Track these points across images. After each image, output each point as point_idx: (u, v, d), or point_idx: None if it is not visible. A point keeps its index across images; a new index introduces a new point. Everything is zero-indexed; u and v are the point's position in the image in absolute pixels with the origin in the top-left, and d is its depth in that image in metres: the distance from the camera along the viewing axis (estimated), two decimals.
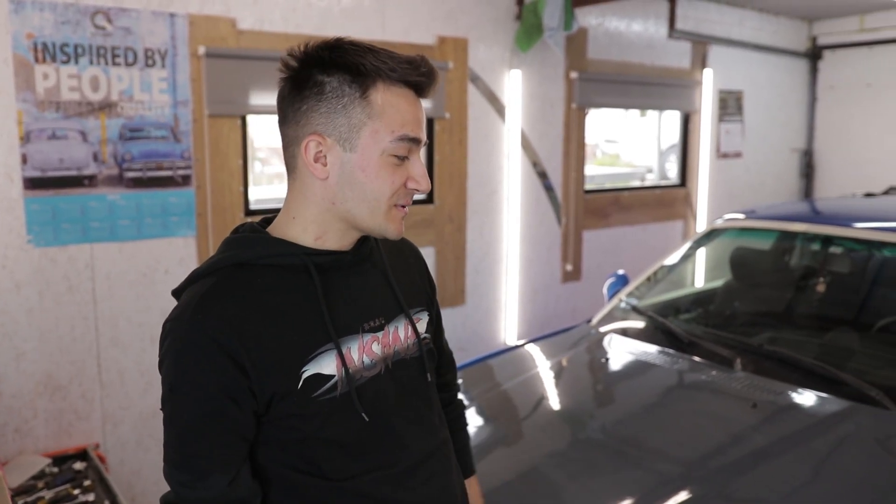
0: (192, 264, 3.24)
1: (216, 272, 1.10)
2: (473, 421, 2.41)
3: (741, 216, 3.43)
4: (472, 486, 1.45)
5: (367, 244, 1.19)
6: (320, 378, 1.08)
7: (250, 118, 3.43)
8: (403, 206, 1.12)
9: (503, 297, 4.40)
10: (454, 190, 4.05)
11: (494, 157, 4.22)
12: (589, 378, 2.73)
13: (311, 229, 1.13)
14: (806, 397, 2.32)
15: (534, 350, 2.96)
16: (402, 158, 1.09)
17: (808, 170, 6.33)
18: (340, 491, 1.11)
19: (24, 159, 2.86)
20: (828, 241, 3.14)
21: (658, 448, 2.13)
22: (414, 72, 1.08)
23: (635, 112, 11.50)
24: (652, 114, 6.81)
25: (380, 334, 1.16)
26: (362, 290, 1.17)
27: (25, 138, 2.85)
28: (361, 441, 1.12)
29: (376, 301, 1.18)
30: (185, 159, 3.19)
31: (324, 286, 1.12)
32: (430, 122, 3.95)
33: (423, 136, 1.12)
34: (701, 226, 5.42)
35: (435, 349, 1.32)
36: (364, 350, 1.14)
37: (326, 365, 1.09)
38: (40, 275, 2.93)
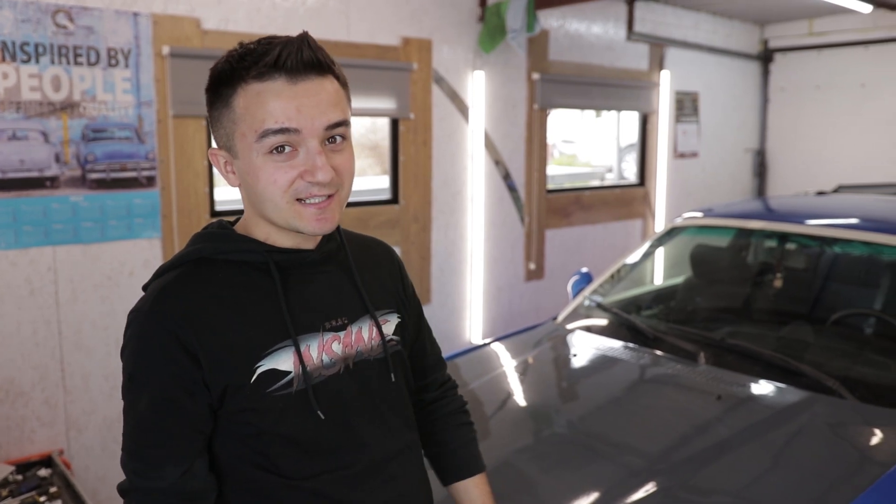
0: (157, 266, 3.20)
1: (180, 266, 1.12)
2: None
3: (699, 214, 3.53)
4: (480, 484, 1.39)
5: (331, 243, 1.20)
6: (276, 374, 1.09)
7: None
8: (314, 200, 1.08)
9: (468, 296, 4.44)
10: (419, 190, 4.07)
11: (458, 158, 4.25)
12: (556, 374, 2.78)
13: (261, 229, 1.14)
14: (767, 388, 2.40)
15: (500, 348, 3.00)
16: (284, 152, 1.05)
17: (760, 169, 6.51)
18: (297, 490, 1.11)
19: None
20: (783, 237, 3.25)
21: (626, 441, 2.19)
22: (266, 59, 1.03)
23: (591, 112, 11.70)
24: (607, 114, 6.93)
25: (342, 334, 1.16)
26: (326, 290, 1.17)
27: None
28: (318, 440, 1.12)
29: (340, 301, 1.18)
30: (150, 160, 3.16)
31: (284, 284, 1.13)
32: (395, 123, 3.97)
33: (305, 123, 1.05)
34: (659, 224, 5.54)
35: (415, 351, 1.33)
36: (323, 348, 1.13)
37: (283, 361, 1.09)
38: (1, 278, 2.87)
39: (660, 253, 3.80)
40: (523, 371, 2.78)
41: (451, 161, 4.20)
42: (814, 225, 3.16)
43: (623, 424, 2.31)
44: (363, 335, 1.18)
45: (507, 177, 4.53)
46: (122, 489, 1.11)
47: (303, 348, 1.11)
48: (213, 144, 1.15)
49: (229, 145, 1.09)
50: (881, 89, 5.83)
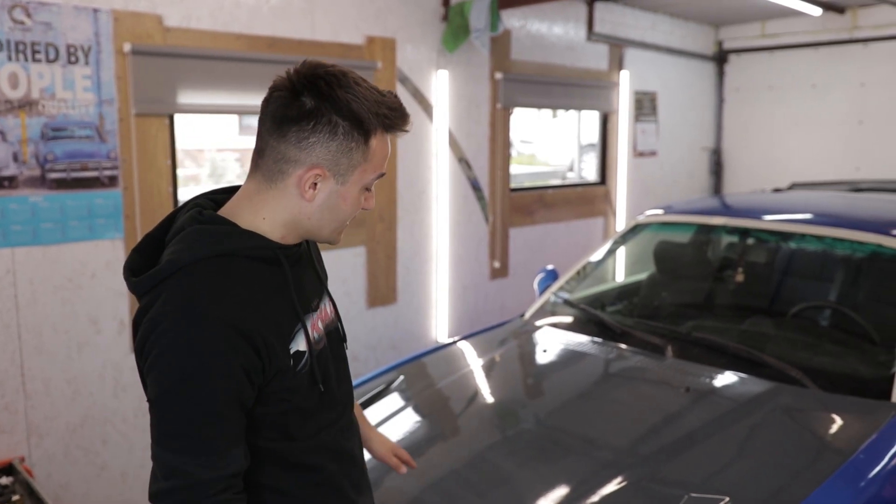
0: (120, 268, 3.14)
1: (200, 262, 1.19)
2: (412, 419, 2.44)
3: (661, 211, 3.59)
4: (359, 410, 1.68)
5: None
6: (299, 354, 1.26)
7: (178, 117, 3.35)
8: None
9: (434, 295, 4.45)
10: (384, 189, 4.06)
11: (423, 157, 4.26)
12: (524, 371, 2.81)
13: (279, 231, 1.27)
14: (733, 380, 2.46)
15: (467, 346, 3.01)
16: (368, 189, 1.29)
17: (717, 167, 6.65)
18: (305, 448, 1.30)
19: None
20: (744, 233, 3.33)
21: (595, 435, 2.22)
22: (402, 123, 1.27)
23: (549, 112, 11.79)
24: (565, 113, 6.99)
25: (318, 312, 1.35)
26: (304, 277, 1.34)
27: None
28: (318, 405, 1.31)
29: (311, 285, 1.36)
30: (112, 160, 3.10)
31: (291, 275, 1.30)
32: None
33: None
34: (621, 222, 5.63)
35: None
36: (314, 328, 1.32)
37: (300, 342, 1.27)
38: None
39: (624, 250, 3.86)
40: (491, 368, 2.80)
41: (415, 160, 4.21)
42: (772, 220, 3.25)
43: (592, 418, 2.34)
44: (327, 310, 1.39)
45: (471, 175, 4.55)
46: (165, 491, 1.16)
47: (309, 329, 1.29)
48: (300, 160, 1.23)
49: (342, 171, 1.24)
50: (831, 90, 6.01)
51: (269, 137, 1.23)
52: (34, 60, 2.87)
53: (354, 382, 2.73)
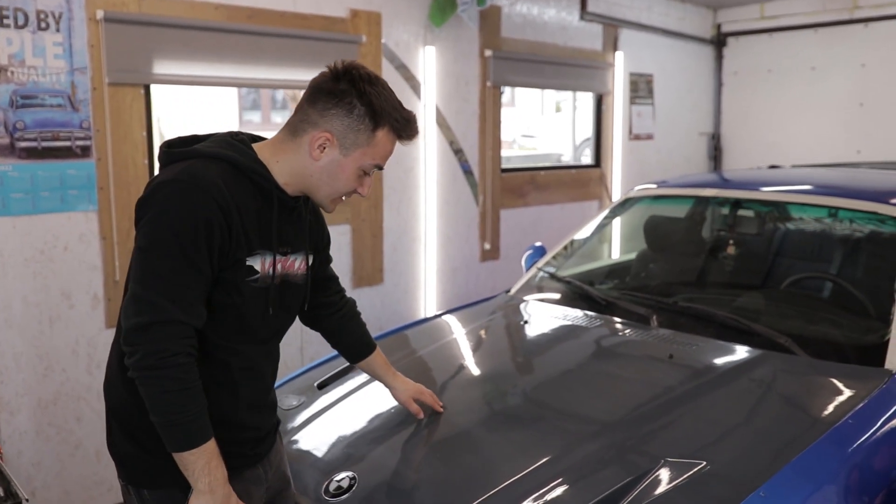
0: (94, 240, 3.07)
1: (217, 160, 1.47)
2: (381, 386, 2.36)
3: (654, 186, 3.50)
4: (380, 354, 2.02)
5: (301, 197, 1.61)
6: (251, 270, 1.51)
7: (154, 88, 3.27)
8: (342, 199, 1.59)
9: (422, 276, 4.36)
10: None
11: None
12: (507, 342, 2.72)
13: (285, 177, 1.55)
14: (720, 347, 2.37)
15: (451, 319, 2.93)
16: (366, 174, 1.55)
17: (715, 152, 6.54)
18: (226, 346, 1.53)
19: None
20: (737, 205, 3.23)
21: (574, 403, 2.14)
22: (408, 132, 1.54)
23: (551, 107, 11.66)
24: (568, 109, 6.89)
25: (284, 258, 1.59)
26: (287, 227, 1.59)
27: None
28: (256, 322, 1.55)
29: (290, 237, 1.60)
30: (85, 129, 3.02)
31: (277, 214, 1.55)
32: None
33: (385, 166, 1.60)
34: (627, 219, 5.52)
35: (325, 272, 1.87)
36: (273, 266, 1.56)
37: (257, 262, 1.52)
38: None
39: (614, 225, 3.77)
40: (471, 339, 2.72)
41: None
42: (766, 191, 3.15)
43: (570, 386, 2.26)
44: (296, 264, 1.63)
45: (460, 154, 4.46)
46: (140, 325, 1.36)
47: (269, 259, 1.53)
48: (315, 126, 1.50)
49: (347, 145, 1.50)
50: (831, 72, 5.90)
51: (304, 102, 1.52)
52: (2, 26, 2.79)
53: (322, 359, 2.68)
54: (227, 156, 1.48)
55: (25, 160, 2.89)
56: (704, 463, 1.75)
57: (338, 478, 1.84)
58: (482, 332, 2.78)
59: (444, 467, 1.88)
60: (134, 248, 1.42)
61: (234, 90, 12.93)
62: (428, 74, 4.21)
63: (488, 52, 4.49)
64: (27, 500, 2.36)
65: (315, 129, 1.49)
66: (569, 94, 6.20)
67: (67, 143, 2.98)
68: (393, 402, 2.07)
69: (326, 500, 1.79)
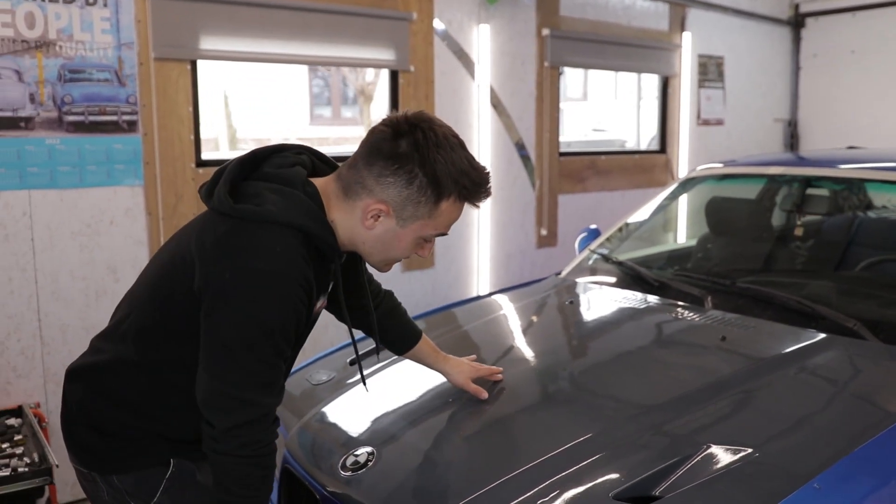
0: (140, 216, 3.08)
1: (294, 230, 1.32)
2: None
3: (720, 165, 3.30)
4: (428, 341, 1.91)
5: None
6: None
7: (202, 64, 3.26)
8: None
9: (475, 262, 4.25)
10: None
11: (463, 115, 4.07)
12: (549, 320, 2.59)
13: (343, 237, 1.41)
14: (779, 330, 2.17)
15: (498, 298, 2.82)
16: (426, 241, 1.43)
17: (792, 140, 6.20)
18: None
19: None
20: (808, 184, 3.00)
21: (613, 381, 1.99)
22: (478, 198, 1.39)
23: (624, 101, 11.35)
24: (632, 93, 6.63)
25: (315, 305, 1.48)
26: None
27: None
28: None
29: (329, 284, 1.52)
30: (131, 104, 3.03)
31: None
32: (395, 75, 3.79)
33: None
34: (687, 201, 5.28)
35: (360, 280, 1.73)
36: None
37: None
38: None
39: (674, 207, 3.58)
40: (517, 318, 2.60)
41: (454, 117, 4.01)
42: (842, 168, 2.91)
43: (612, 367, 2.10)
44: (320, 303, 1.52)
45: (516, 137, 4.33)
46: (237, 425, 1.29)
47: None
48: (369, 194, 1.35)
49: (404, 216, 1.36)
50: None
51: (360, 160, 1.35)
52: (51, 0, 2.82)
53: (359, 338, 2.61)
54: (304, 226, 1.33)
55: (73, 134, 2.91)
56: (752, 450, 1.59)
57: (357, 453, 1.75)
58: (526, 311, 2.65)
59: (470, 445, 1.76)
60: (209, 335, 1.29)
61: (305, 86, 13.13)
62: (482, 54, 4.09)
63: (546, 31, 4.34)
64: (57, 466, 2.37)
65: (370, 197, 1.34)
66: (646, 87, 5.96)
67: (114, 118, 2.99)
68: (425, 378, 1.97)
69: (340, 475, 1.70)
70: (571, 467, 1.56)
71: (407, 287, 3.95)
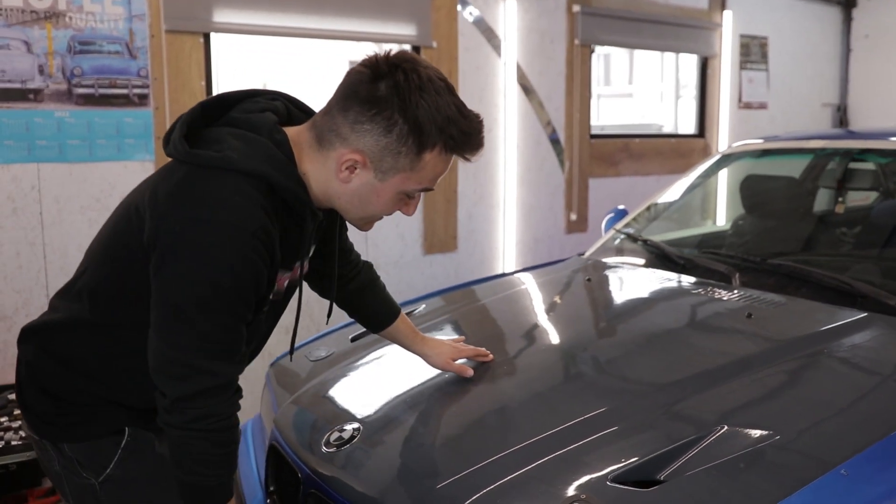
0: None
1: (252, 175, 1.18)
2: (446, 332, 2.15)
3: (759, 141, 3.11)
4: (405, 318, 1.75)
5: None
6: (264, 300, 1.28)
7: (215, 37, 3.19)
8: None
9: (500, 246, 4.11)
10: None
11: (488, 93, 3.93)
12: (568, 297, 2.44)
13: (313, 192, 1.27)
14: (811, 308, 2.00)
15: (518, 277, 2.70)
16: (410, 196, 1.28)
17: (841, 125, 5.91)
18: None
19: None
20: (851, 158, 2.79)
21: (623, 360, 1.84)
22: (468, 150, 1.24)
23: (670, 96, 11.04)
24: (670, 73, 6.39)
25: (290, 272, 1.37)
26: (309, 239, 1.36)
27: None
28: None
29: (306, 247, 1.36)
30: (142, 77, 2.97)
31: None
32: (416, 51, 3.67)
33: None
34: (722, 179, 5.06)
35: (344, 246, 1.62)
36: (279, 283, 1.34)
37: (270, 291, 1.30)
38: None
39: (708, 186, 3.39)
40: (532, 295, 2.47)
41: (479, 96, 3.88)
42: (893, 140, 2.70)
43: (624, 344, 1.96)
44: (300, 268, 1.40)
45: (544, 117, 4.17)
46: (186, 395, 1.17)
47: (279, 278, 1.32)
48: (345, 142, 1.22)
49: (383, 169, 1.21)
50: None
51: (335, 105, 1.22)
52: None
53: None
54: (267, 175, 1.19)
55: (82, 107, 2.86)
56: (772, 432, 1.43)
57: (343, 429, 1.63)
58: (543, 289, 2.51)
59: (465, 422, 1.63)
60: (159, 294, 1.17)
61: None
62: (509, 30, 3.94)
63: (577, 8, 4.17)
64: None
65: (344, 147, 1.21)
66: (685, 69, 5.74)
67: (125, 91, 2.94)
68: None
69: (322, 451, 1.58)
70: (568, 446, 1.42)
71: (428, 271, 3.83)
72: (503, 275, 2.79)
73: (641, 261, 2.62)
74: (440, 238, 3.86)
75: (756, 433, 1.43)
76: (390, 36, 3.58)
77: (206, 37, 3.12)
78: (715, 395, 1.58)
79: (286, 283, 1.38)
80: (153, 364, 1.19)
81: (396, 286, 3.65)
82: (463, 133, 1.21)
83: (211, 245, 1.14)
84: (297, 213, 1.27)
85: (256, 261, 1.17)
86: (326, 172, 1.24)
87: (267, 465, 1.82)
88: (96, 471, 1.32)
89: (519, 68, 4.02)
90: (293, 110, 1.34)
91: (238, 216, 1.15)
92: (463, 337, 1.87)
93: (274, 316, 1.42)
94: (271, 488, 1.80)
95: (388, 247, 3.69)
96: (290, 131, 1.27)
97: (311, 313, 3.44)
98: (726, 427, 1.44)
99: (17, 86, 2.74)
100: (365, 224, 1.34)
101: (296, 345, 1.66)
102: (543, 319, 2.22)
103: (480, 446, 1.48)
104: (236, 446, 1.26)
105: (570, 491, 1.30)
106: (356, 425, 1.63)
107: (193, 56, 3.07)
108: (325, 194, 1.27)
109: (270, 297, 1.31)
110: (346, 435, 1.60)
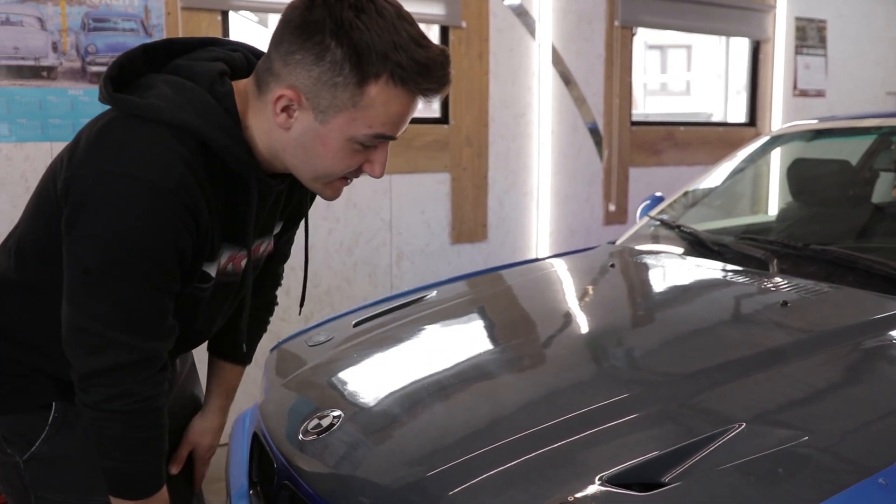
0: None
1: (184, 132, 1.05)
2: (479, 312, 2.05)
3: (814, 121, 2.88)
4: (236, 376, 1.50)
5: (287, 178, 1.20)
6: (205, 276, 1.16)
7: (233, 15, 3.10)
8: (347, 181, 1.14)
9: (533, 236, 3.94)
10: (473, 109, 3.61)
11: (522, 76, 3.76)
12: (592, 283, 2.27)
13: (263, 152, 1.12)
14: (855, 297, 1.79)
15: (545, 262, 2.55)
16: (368, 147, 1.07)
17: None
18: None
19: None
20: None
21: (640, 349, 1.67)
22: (423, 82, 1.03)
23: (723, 86, 10.65)
24: (720, 58, 6.09)
25: (251, 250, 1.23)
26: (264, 214, 1.23)
27: None
28: (186, 320, 1.19)
29: (263, 224, 1.25)
30: None
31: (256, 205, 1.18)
32: (445, 31, 3.53)
33: (399, 132, 1.09)
34: (775, 170, 4.79)
35: (281, 241, 1.42)
36: (234, 261, 1.21)
37: (214, 267, 1.17)
38: None
39: (753, 170, 3.17)
40: (559, 280, 2.31)
41: (512, 79, 3.71)
42: None
43: (644, 332, 1.78)
44: (260, 248, 1.28)
45: (581, 102, 3.98)
46: (98, 371, 1.06)
47: (223, 259, 1.19)
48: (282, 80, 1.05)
49: (321, 107, 1.03)
50: None
51: (271, 42, 1.07)
52: None
53: (387, 297, 2.38)
54: (196, 128, 1.05)
55: (96, 85, 2.79)
56: (799, 431, 1.24)
57: (322, 416, 1.50)
58: (561, 275, 2.35)
59: (454, 412, 1.48)
60: (70, 255, 1.05)
61: None
62: (544, 10, 3.77)
63: None
64: None
65: (277, 85, 1.04)
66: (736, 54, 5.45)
67: None
68: (428, 345, 1.72)
69: (298, 440, 1.46)
70: (563, 440, 1.26)
71: (456, 262, 3.69)
72: (524, 262, 2.63)
73: (674, 248, 2.43)
74: (469, 226, 3.71)
75: (780, 432, 1.25)
76: (415, 15, 3.43)
77: (224, 14, 3.04)
78: (736, 390, 1.39)
79: (243, 263, 1.24)
80: (65, 335, 1.07)
81: (422, 277, 3.52)
82: (415, 62, 1.01)
83: (123, 202, 1.01)
84: (241, 179, 1.13)
85: (175, 222, 1.04)
86: (267, 120, 1.08)
87: (250, 455, 1.71)
88: (21, 448, 1.21)
89: (554, 51, 3.84)
90: (252, 61, 1.19)
91: (154, 171, 1.01)
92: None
93: (226, 298, 1.28)
94: (254, 479, 1.69)
95: (413, 234, 3.56)
96: (238, 84, 1.12)
97: (331, 303, 3.35)
98: (745, 425, 1.26)
99: (31, 63, 2.70)
100: (324, 187, 1.14)
101: (300, 330, 1.53)
102: (557, 306, 2.05)
103: (469, 438, 1.33)
104: (161, 430, 1.14)
105: (558, 491, 1.15)
106: (338, 413, 1.50)
107: (210, 34, 2.98)
108: (271, 150, 1.11)
109: (213, 274, 1.18)
110: (325, 423, 1.47)
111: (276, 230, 1.33)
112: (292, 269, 1.64)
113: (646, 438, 1.26)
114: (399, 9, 1.04)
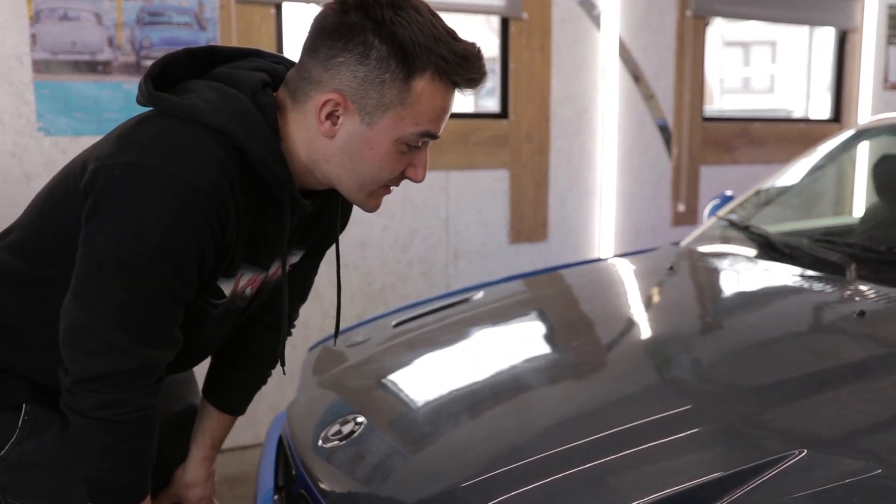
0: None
1: (224, 136, 1.00)
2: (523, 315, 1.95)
3: None
4: (226, 426, 1.39)
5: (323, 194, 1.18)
6: (218, 292, 1.12)
7: (287, 7, 3.06)
8: (390, 189, 1.12)
9: (596, 237, 3.77)
10: (534, 104, 3.48)
11: (586, 70, 3.60)
12: (649, 288, 2.12)
13: (301, 165, 1.08)
14: None
15: (598, 264, 2.41)
16: (413, 148, 1.05)
17: None
18: None
19: (35, 40, 2.65)
20: None
21: (697, 361, 1.52)
22: (466, 73, 1.03)
23: (808, 82, 10.15)
24: (803, 50, 5.75)
25: (265, 273, 1.18)
26: (294, 233, 1.19)
27: (35, 18, 2.65)
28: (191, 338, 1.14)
29: (292, 244, 1.21)
30: None
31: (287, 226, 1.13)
32: (505, 23, 3.42)
33: (441, 133, 1.08)
34: (862, 171, 4.48)
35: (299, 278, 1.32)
36: (252, 284, 1.17)
37: (230, 285, 1.12)
38: (51, 166, 2.72)
39: (834, 168, 2.94)
40: (624, 280, 2.18)
41: (575, 72, 3.56)
42: None
43: (703, 343, 1.63)
44: (278, 270, 1.21)
45: (650, 98, 3.80)
46: (96, 375, 1.00)
47: (244, 281, 1.15)
48: (325, 84, 1.03)
49: (368, 109, 1.02)
50: None
51: (304, 53, 1.05)
52: None
53: (430, 298, 2.29)
54: (235, 134, 1.00)
55: None
56: (871, 463, 1.08)
57: (344, 421, 1.42)
58: (616, 278, 2.20)
59: (479, 424, 1.37)
60: (84, 248, 1.00)
61: None
62: (610, 0, 3.61)
63: None
64: None
65: (320, 92, 1.02)
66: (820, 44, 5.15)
67: None
68: (466, 349, 1.62)
69: (317, 447, 1.37)
70: (596, 461, 1.14)
71: (514, 262, 3.56)
72: (576, 263, 2.50)
73: (742, 250, 2.25)
74: (528, 226, 3.58)
75: (845, 462, 1.09)
76: (476, 6, 3.34)
77: (278, 7, 3.00)
78: (795, 412, 1.24)
79: (259, 286, 1.19)
80: (64, 334, 1.00)
81: (479, 277, 3.41)
82: (455, 54, 1.01)
83: (149, 197, 0.96)
84: (274, 196, 1.08)
85: (202, 226, 0.98)
86: (309, 130, 1.05)
87: (277, 460, 1.64)
88: None
89: (621, 43, 3.67)
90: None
91: (188, 170, 0.96)
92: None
93: (228, 319, 1.20)
94: (279, 484, 1.62)
95: (470, 234, 3.45)
96: (277, 96, 1.09)
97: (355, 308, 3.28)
98: (806, 452, 1.10)
99: (87, 57, 2.72)
100: (367, 197, 1.10)
101: (341, 329, 1.45)
102: (606, 311, 1.91)
103: (494, 454, 1.22)
104: (150, 441, 1.07)
105: None
106: (361, 419, 1.41)
107: (264, 28, 2.95)
108: (311, 161, 1.07)
109: (227, 292, 1.12)
110: (346, 429, 1.39)
111: (295, 259, 1.26)
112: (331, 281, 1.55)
113: (690, 463, 1.12)
114: (428, 6, 1.04)
